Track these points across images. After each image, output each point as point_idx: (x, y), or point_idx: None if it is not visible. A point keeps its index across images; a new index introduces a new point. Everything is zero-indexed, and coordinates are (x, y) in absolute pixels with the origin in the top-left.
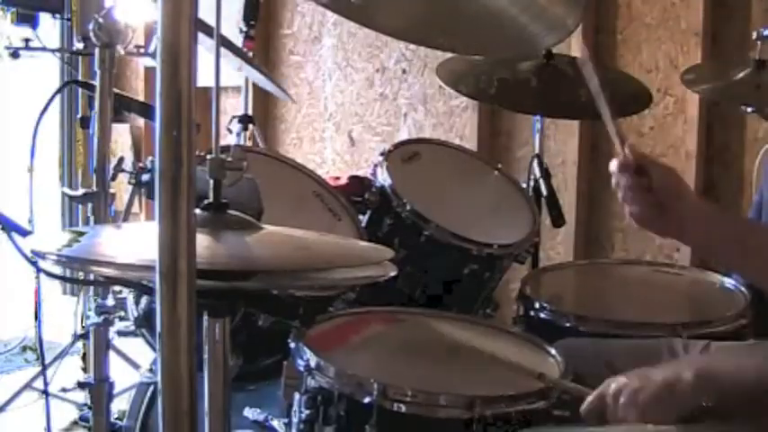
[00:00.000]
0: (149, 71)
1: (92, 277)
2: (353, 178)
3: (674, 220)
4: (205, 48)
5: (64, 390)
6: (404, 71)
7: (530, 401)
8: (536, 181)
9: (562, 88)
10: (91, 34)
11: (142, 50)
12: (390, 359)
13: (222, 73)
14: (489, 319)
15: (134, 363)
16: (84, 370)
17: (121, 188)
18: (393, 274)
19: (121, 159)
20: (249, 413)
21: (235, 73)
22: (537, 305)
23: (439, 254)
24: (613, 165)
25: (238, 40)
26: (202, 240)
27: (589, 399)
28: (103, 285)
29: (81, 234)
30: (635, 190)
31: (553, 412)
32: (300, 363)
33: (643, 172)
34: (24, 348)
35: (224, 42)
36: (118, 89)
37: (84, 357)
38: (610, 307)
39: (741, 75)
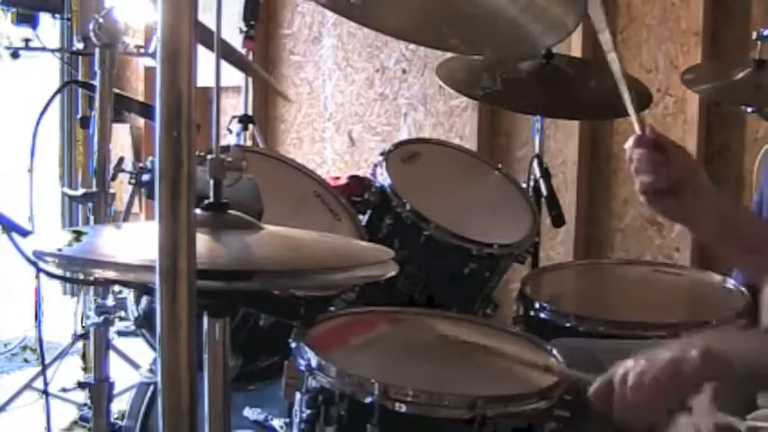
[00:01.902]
0: (149, 71)
1: (92, 277)
2: (353, 178)
3: (686, 203)
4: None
5: (64, 390)
6: (404, 71)
7: (531, 401)
8: (536, 181)
9: (562, 88)
10: (91, 34)
11: (142, 50)
12: (391, 359)
13: (222, 73)
14: (489, 319)
15: (134, 363)
16: (85, 370)
17: (121, 188)
18: (393, 273)
19: (121, 159)
20: (249, 413)
21: (235, 73)
22: (537, 305)
23: (439, 254)
24: (630, 140)
25: (238, 40)
26: (202, 240)
27: (597, 383)
28: (103, 285)
29: (81, 234)
30: (649, 162)
31: (554, 412)
32: (301, 363)
33: (660, 149)
34: (24, 348)
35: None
36: (118, 89)
37: (84, 357)
38: (610, 307)
39: (741, 75)
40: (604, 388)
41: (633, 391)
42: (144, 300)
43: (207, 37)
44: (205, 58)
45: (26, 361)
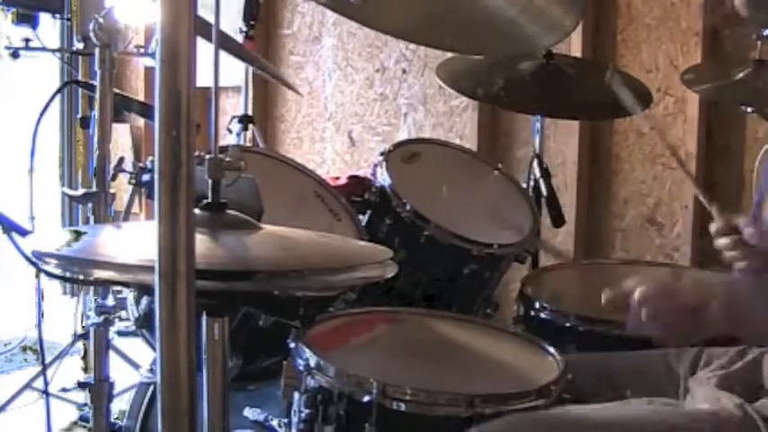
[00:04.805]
0: (149, 71)
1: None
2: (353, 178)
3: None
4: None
5: (64, 390)
6: (404, 71)
7: (529, 399)
8: (536, 181)
9: (562, 88)
10: (91, 34)
11: (142, 50)
12: (390, 359)
13: (222, 73)
14: (489, 318)
15: (134, 363)
16: (85, 370)
17: (121, 188)
18: (393, 274)
19: (121, 159)
20: (249, 413)
21: (235, 73)
22: (537, 305)
23: (439, 254)
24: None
25: (238, 40)
26: (202, 240)
27: (610, 292)
28: (103, 285)
29: (81, 234)
30: (736, 247)
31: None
32: (300, 362)
33: (737, 230)
34: (24, 348)
35: (224, 42)
36: (118, 89)
37: (84, 357)
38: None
39: (741, 75)
40: (618, 300)
41: (647, 323)
42: (144, 300)
43: (207, 30)
44: (205, 57)
45: (26, 361)
